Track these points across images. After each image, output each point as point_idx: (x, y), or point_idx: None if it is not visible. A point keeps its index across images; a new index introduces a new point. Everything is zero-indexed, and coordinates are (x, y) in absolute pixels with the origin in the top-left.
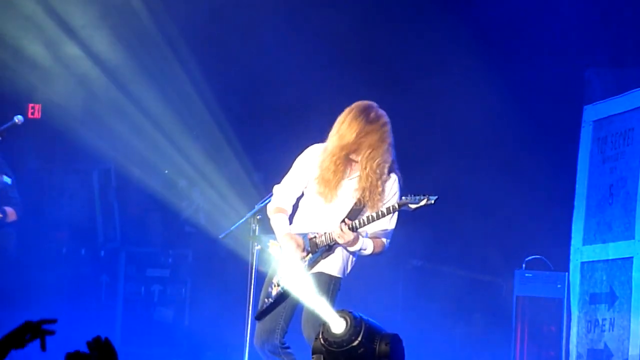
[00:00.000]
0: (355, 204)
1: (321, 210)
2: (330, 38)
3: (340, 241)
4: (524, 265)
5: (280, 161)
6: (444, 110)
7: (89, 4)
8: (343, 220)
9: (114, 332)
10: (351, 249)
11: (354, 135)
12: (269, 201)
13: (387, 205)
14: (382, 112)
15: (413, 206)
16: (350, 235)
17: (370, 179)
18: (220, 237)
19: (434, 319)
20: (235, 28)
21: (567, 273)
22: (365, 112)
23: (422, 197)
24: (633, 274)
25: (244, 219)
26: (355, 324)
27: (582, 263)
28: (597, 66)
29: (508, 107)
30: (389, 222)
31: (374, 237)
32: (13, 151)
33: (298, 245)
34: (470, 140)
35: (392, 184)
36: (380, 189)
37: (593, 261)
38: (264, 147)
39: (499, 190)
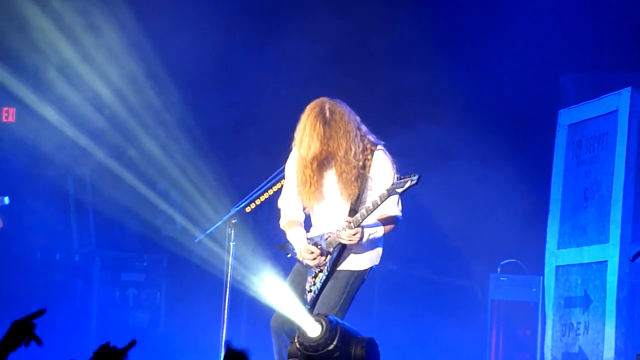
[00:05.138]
0: (355, 194)
1: (325, 211)
2: (307, 45)
3: (347, 242)
4: (499, 269)
5: (257, 166)
6: (418, 112)
7: (64, 10)
8: (348, 220)
9: (89, 336)
10: (361, 242)
11: (318, 143)
12: (245, 205)
13: (380, 191)
14: (333, 103)
15: (400, 190)
16: (357, 235)
17: (350, 174)
18: (195, 241)
19: (409, 322)
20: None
21: (542, 277)
22: (320, 114)
23: (405, 180)
24: (607, 277)
25: (219, 222)
26: (331, 328)
27: (557, 267)
28: (572, 70)
29: (483, 111)
30: (390, 206)
31: (381, 216)
32: None
33: (314, 256)
34: (445, 143)
35: (378, 162)
36: (363, 177)
37: (568, 265)
38: (240, 151)
39: (473, 194)
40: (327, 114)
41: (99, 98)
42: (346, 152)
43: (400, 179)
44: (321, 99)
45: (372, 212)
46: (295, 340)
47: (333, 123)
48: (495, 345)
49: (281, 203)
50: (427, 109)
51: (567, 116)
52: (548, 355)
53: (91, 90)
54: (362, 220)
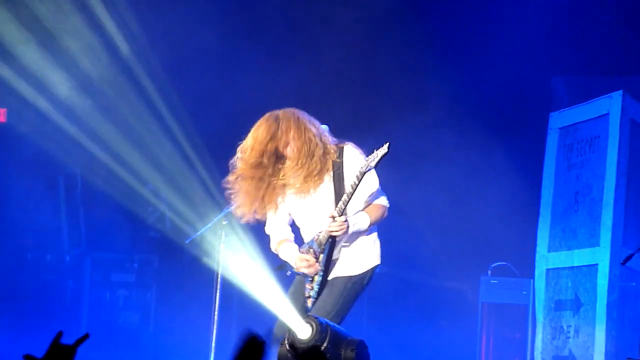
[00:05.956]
0: (334, 191)
1: (309, 216)
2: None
3: (336, 234)
4: (489, 272)
5: None
6: (408, 114)
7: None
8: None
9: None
10: (349, 232)
11: (268, 136)
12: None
13: (354, 176)
14: (284, 109)
15: (373, 163)
16: (344, 225)
17: (314, 168)
18: (186, 242)
19: (400, 325)
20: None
21: (532, 280)
22: (270, 116)
23: (377, 153)
24: (598, 281)
25: (210, 224)
26: (321, 330)
27: (548, 270)
28: (563, 74)
29: (474, 113)
30: (369, 186)
31: (367, 205)
32: None
33: (310, 263)
34: (435, 145)
35: (348, 155)
36: (339, 176)
37: (558, 268)
38: (232, 151)
39: (464, 196)
40: (277, 115)
41: (90, 97)
42: (299, 149)
43: (370, 154)
44: (270, 113)
45: (352, 194)
46: (286, 342)
47: (282, 121)
48: (485, 348)
49: (268, 229)
50: (418, 112)
51: (558, 119)
52: (538, 358)
53: (83, 90)
54: (346, 206)
